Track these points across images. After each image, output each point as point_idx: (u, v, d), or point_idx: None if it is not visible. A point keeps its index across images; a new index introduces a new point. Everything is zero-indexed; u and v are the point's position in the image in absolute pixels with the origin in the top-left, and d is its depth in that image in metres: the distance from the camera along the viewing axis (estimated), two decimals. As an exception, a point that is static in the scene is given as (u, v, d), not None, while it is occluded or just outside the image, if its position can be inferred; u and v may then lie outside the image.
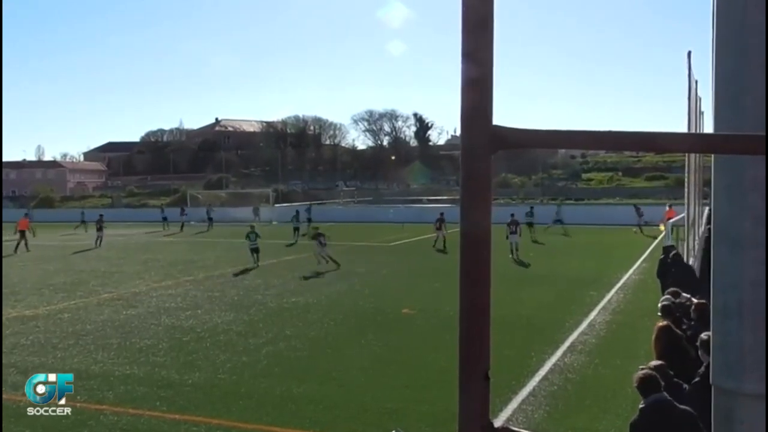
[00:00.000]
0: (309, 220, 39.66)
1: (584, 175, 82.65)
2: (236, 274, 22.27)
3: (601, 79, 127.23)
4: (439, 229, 29.11)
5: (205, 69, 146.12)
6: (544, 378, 10.28)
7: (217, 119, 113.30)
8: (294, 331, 13.78)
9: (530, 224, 32.90)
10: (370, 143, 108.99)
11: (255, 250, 23.88)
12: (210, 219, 43.69)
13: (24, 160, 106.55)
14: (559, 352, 11.69)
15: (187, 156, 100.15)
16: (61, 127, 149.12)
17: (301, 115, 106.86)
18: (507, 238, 24.88)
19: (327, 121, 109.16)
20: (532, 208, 35.97)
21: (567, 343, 12.32)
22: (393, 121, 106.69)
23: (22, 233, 31.56)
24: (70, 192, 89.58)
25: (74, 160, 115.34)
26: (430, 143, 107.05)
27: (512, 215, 26.07)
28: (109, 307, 16.76)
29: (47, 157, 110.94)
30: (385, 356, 11.97)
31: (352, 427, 8.67)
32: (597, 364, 11.11)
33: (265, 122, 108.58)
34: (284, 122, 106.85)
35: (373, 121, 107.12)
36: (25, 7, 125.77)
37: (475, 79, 0.89)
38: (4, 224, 38.95)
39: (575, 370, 10.74)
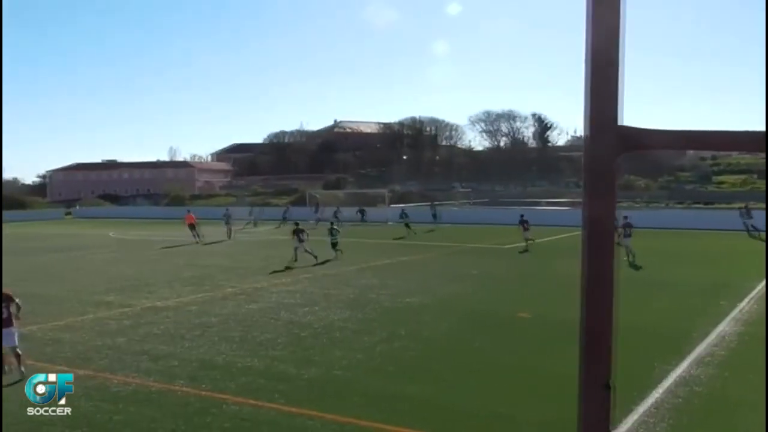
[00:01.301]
0: (434, 216, 44.55)
1: (715, 178, 78.13)
2: (315, 265, 24.14)
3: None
4: (527, 230, 30.56)
5: (325, 72, 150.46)
6: (668, 390, 9.77)
7: (336, 121, 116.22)
8: (407, 331, 13.86)
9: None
10: (487, 144, 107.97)
11: (335, 245, 26.51)
12: (337, 219, 45.23)
13: (158, 160, 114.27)
14: (684, 364, 11.06)
15: (307, 157, 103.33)
16: (192, 129, 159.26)
17: (417, 116, 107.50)
18: (618, 242, 24.08)
19: (444, 121, 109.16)
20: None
21: (694, 355, 11.63)
22: (511, 121, 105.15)
23: (192, 227, 35.39)
24: (198, 191, 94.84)
25: (203, 160, 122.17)
26: (549, 144, 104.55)
27: (625, 217, 25.08)
28: (232, 301, 17.55)
29: (179, 158, 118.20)
30: (497, 360, 11.80)
31: (462, 430, 8.60)
32: (726, 378, 10.43)
33: (382, 123, 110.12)
34: (401, 123, 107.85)
35: (490, 122, 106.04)
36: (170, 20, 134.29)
37: (602, 77, 0.85)
38: (148, 221, 41.94)
39: (702, 384, 10.13)
